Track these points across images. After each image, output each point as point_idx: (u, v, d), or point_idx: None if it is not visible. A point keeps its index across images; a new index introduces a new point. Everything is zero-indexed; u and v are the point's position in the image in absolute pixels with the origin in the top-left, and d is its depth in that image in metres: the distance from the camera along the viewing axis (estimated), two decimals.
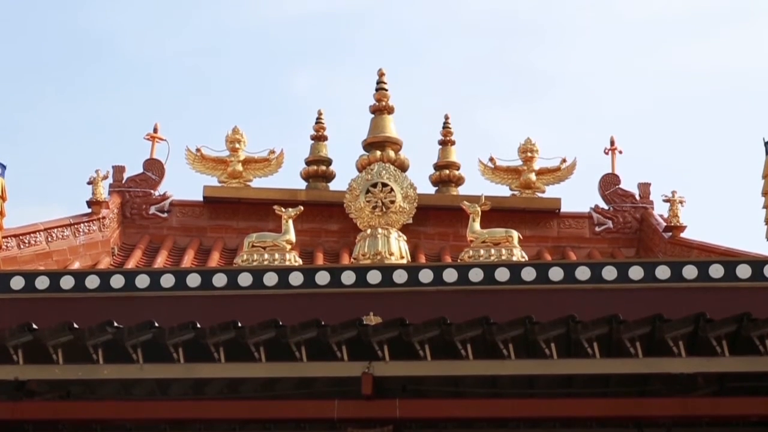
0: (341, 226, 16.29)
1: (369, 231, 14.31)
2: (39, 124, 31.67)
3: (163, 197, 16.89)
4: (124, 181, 16.87)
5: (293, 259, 13.42)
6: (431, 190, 17.13)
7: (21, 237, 14.66)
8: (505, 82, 31.42)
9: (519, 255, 13.40)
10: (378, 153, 16.21)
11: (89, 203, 15.98)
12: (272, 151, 16.92)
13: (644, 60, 31.31)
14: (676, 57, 31.30)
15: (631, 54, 31.47)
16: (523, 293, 10.97)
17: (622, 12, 31.22)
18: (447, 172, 17.20)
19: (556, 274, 11.05)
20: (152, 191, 16.89)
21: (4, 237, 13.71)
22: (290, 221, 13.70)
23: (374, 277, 11.05)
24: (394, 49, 30.11)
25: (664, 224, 16.29)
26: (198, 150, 16.80)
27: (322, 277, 11.09)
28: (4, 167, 12.44)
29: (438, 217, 16.64)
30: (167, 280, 11.01)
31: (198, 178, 16.87)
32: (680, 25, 31.46)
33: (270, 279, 11.09)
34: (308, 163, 17.18)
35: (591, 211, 17.10)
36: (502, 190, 16.97)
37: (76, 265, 14.99)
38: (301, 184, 17.09)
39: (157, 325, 9.03)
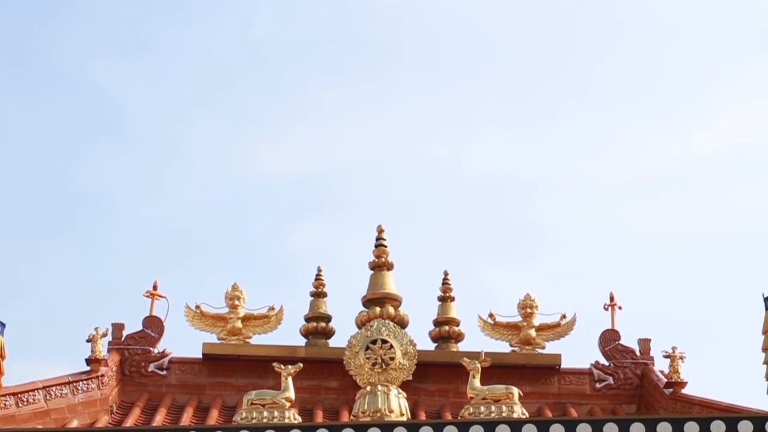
0: (341, 383, 16.22)
1: (369, 388, 14.23)
2: (39, 282, 31.73)
3: (162, 354, 16.86)
4: (123, 339, 16.85)
5: (293, 416, 13.34)
6: (431, 346, 17.11)
7: (19, 395, 14.58)
8: (504, 238, 31.62)
9: (519, 412, 13.32)
10: (377, 309, 16.25)
11: (88, 361, 15.94)
12: (272, 308, 16.96)
13: (640, 217, 31.56)
14: (673, 215, 31.56)
15: (627, 211, 31.74)
16: None
17: (613, 172, 31.60)
18: (447, 328, 17.21)
19: (557, 431, 10.98)
20: (151, 348, 16.86)
21: (2, 395, 13.65)
22: (289, 378, 13.65)
23: None
24: (393, 206, 30.37)
25: (665, 380, 16.23)
26: (197, 307, 16.84)
27: None
28: (3, 325, 12.45)
29: (438, 373, 16.58)
30: None
31: (197, 335, 16.88)
32: (674, 183, 31.80)
33: None
34: (308, 319, 17.19)
35: (591, 368, 17.06)
36: (502, 347, 16.97)
37: (74, 424, 14.88)
38: (301, 341, 17.08)
39: None
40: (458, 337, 17.16)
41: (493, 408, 13.35)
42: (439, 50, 32.26)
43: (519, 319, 17.10)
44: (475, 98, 31.85)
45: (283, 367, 13.79)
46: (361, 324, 16.01)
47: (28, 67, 31.52)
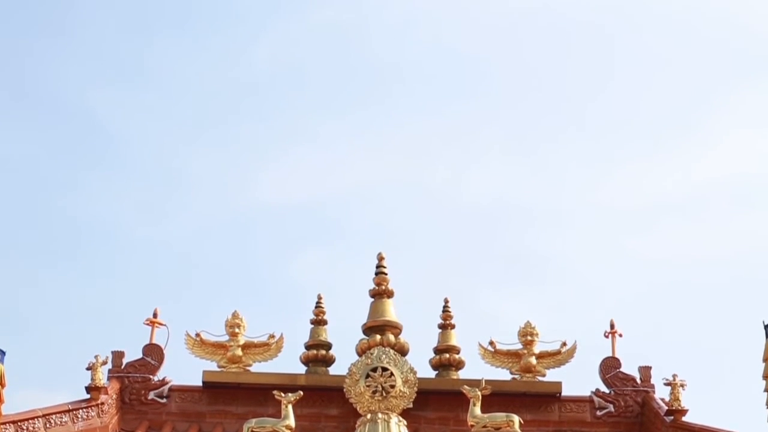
0: (341, 410, 16.18)
1: (369, 416, 14.23)
2: (39, 309, 31.71)
3: (162, 382, 16.83)
4: (123, 367, 16.83)
5: None
6: (431, 374, 17.08)
7: (19, 423, 14.54)
8: (504, 265, 31.62)
9: None
10: (378, 337, 16.24)
11: (88, 389, 15.91)
12: (272, 336, 16.95)
13: (640, 244, 31.57)
14: (673, 242, 31.58)
15: (627, 238, 31.74)
16: None
17: (613, 199, 31.64)
18: (447, 355, 17.19)
19: None
20: (151, 376, 16.84)
21: (2, 423, 13.62)
22: (290, 406, 13.65)
23: None
24: (393, 233, 30.39)
25: (666, 408, 16.21)
26: (197, 335, 16.83)
27: None
28: (3, 353, 12.45)
29: (438, 401, 16.55)
30: None
31: (197, 363, 16.85)
32: (673, 210, 31.84)
33: None
34: (308, 347, 17.18)
35: (592, 395, 17.03)
36: (503, 374, 16.95)
37: None
38: (301, 369, 17.06)
39: None
40: (459, 365, 17.14)
41: None
42: (438, 78, 32.35)
43: (519, 346, 17.10)
44: (474, 125, 31.93)
45: (283, 394, 13.79)
46: (361, 352, 16.00)
47: (27, 95, 31.63)
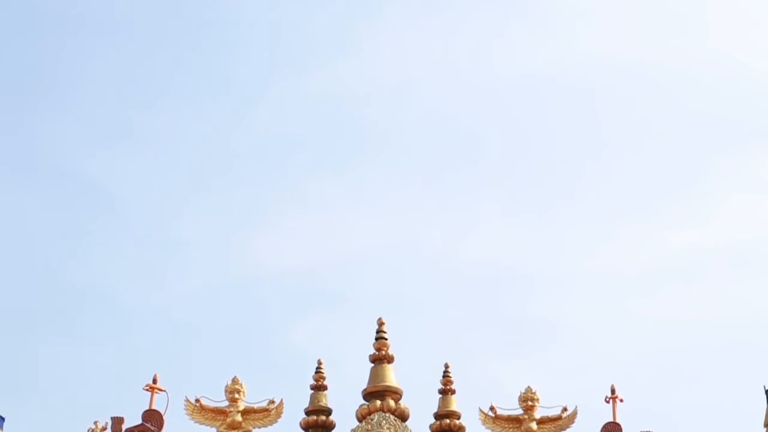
0: None
1: None
2: (38, 375, 31.61)
3: None
4: None
5: None
6: None
7: None
8: (505, 329, 31.57)
9: None
10: (378, 402, 16.20)
11: None
12: (272, 401, 16.90)
13: (641, 308, 31.55)
14: (674, 307, 31.54)
15: (628, 303, 31.73)
16: None
17: (613, 264, 31.68)
18: (448, 421, 17.12)
19: None
20: None
21: None
22: None
23: None
24: (393, 297, 30.37)
25: None
26: (197, 400, 16.78)
27: None
28: (2, 419, 12.43)
29: None
30: None
31: (197, 429, 16.79)
32: (675, 275, 31.84)
33: None
34: (308, 412, 17.13)
35: None
36: None
37: None
38: None
39: None
40: (459, 430, 17.08)
41: None
42: (433, 143, 32.59)
43: (520, 411, 17.03)
44: (471, 190, 32.08)
45: None
46: (361, 417, 15.96)
47: (24, 159, 31.77)
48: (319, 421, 16.97)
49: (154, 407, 17.11)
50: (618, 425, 17.23)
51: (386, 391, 16.68)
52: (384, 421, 14.82)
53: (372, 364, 17.14)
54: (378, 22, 32.92)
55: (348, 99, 32.92)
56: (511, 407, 17.12)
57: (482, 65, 32.49)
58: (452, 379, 17.61)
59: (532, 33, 32.48)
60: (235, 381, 16.97)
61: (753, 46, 32.16)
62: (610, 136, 32.44)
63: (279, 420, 16.89)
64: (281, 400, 16.94)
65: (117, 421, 16.88)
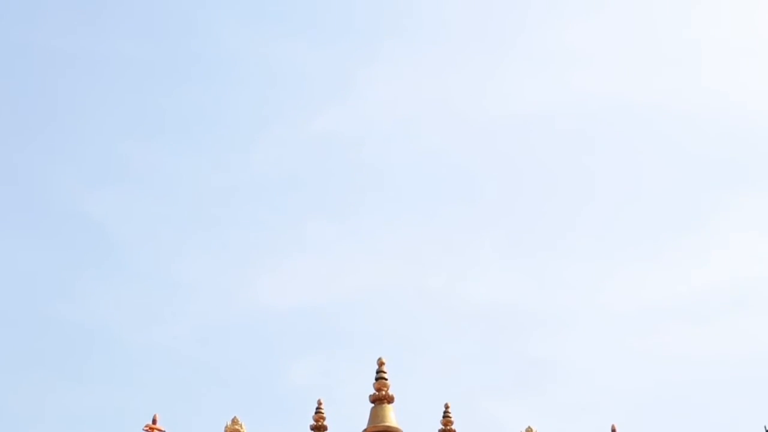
0: None
1: None
2: (36, 416, 31.53)
3: None
4: None
5: None
6: None
7: None
8: (505, 368, 31.56)
9: None
10: None
11: None
12: None
13: (642, 346, 31.52)
14: (673, 343, 31.52)
15: (628, 340, 31.71)
16: None
17: (614, 303, 31.69)
18: None
19: None
20: None
21: None
22: None
23: None
24: (393, 337, 30.39)
25: None
26: None
27: None
28: None
29: None
30: None
31: None
32: (676, 315, 31.85)
33: None
34: None
35: None
36: None
37: None
38: None
39: None
40: None
41: None
42: (431, 184, 32.72)
43: None
44: (469, 230, 32.16)
45: None
46: None
47: (23, 201, 31.82)
48: None
49: None
50: None
51: (386, 431, 16.65)
52: None
53: (372, 404, 17.11)
54: (373, 64, 33.12)
55: (344, 139, 33.06)
56: None
57: (477, 106, 32.67)
58: (452, 419, 17.58)
59: (526, 74, 32.68)
60: (234, 421, 16.92)
61: (746, 88, 32.32)
62: (606, 176, 32.58)
63: None
64: None
65: None
